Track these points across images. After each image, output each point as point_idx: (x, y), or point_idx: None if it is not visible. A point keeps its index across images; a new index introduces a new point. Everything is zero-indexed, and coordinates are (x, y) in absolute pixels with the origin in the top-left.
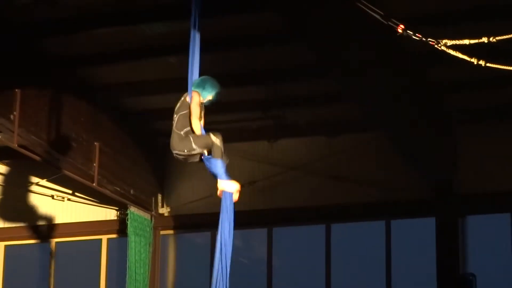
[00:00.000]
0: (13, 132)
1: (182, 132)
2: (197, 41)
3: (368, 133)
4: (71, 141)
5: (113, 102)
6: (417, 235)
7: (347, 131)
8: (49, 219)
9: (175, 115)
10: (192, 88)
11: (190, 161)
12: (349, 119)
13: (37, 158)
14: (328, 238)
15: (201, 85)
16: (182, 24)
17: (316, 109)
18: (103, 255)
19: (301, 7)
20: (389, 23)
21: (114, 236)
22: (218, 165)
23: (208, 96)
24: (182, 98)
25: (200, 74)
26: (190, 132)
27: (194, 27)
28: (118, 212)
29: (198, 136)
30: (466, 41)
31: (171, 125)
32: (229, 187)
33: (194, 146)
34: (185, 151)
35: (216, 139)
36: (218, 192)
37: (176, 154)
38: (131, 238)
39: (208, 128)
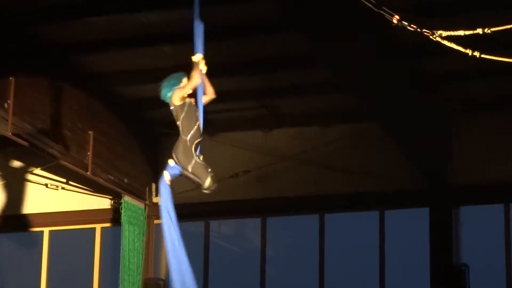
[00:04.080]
0: (7, 120)
1: (187, 138)
2: (201, 30)
3: (363, 123)
4: (65, 129)
5: (108, 91)
6: (411, 225)
7: (341, 121)
8: (42, 208)
9: (178, 123)
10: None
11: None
12: (344, 109)
13: (31, 146)
14: (322, 228)
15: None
16: (177, 12)
17: (310, 99)
18: (96, 244)
19: None
20: (384, 13)
21: (108, 225)
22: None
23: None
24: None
25: None
26: (196, 144)
27: (197, 16)
28: (112, 201)
29: (200, 165)
30: (461, 32)
31: (179, 132)
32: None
33: (189, 167)
34: (180, 162)
35: (211, 186)
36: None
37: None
38: (125, 227)
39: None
